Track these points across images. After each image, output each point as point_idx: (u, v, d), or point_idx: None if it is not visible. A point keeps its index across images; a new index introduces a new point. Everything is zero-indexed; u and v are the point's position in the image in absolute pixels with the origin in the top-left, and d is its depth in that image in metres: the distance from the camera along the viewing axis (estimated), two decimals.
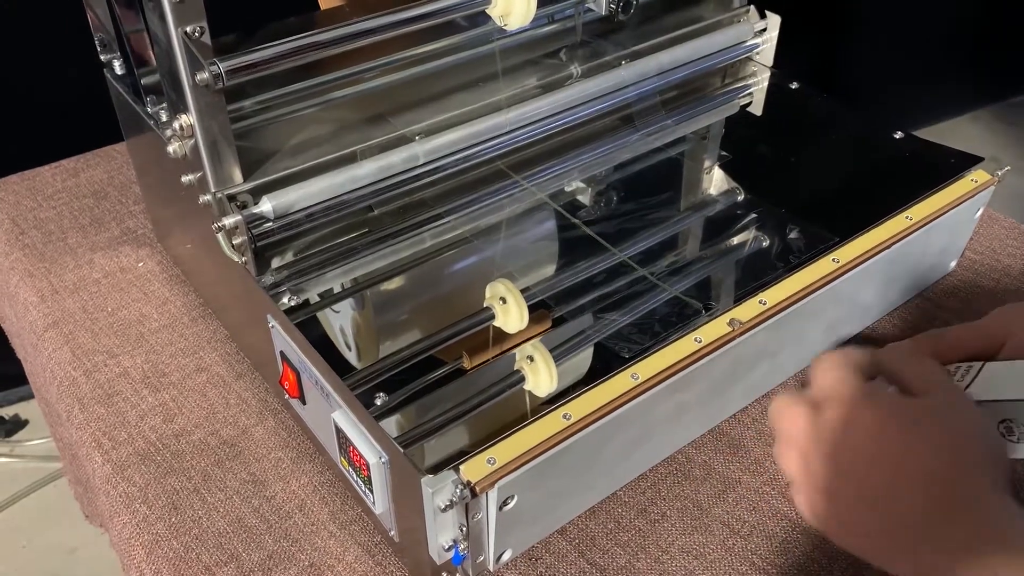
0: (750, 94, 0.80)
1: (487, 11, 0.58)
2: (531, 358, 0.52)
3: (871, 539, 0.40)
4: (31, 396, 1.50)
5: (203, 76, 0.50)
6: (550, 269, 0.61)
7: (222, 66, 0.50)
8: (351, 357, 0.54)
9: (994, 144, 2.08)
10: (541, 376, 0.52)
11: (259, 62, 0.52)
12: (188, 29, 0.49)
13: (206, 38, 0.50)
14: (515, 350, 0.54)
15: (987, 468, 0.39)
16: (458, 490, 0.44)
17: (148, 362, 0.68)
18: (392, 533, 0.53)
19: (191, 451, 0.62)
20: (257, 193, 0.57)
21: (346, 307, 0.58)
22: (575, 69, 0.73)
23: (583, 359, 0.54)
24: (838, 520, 0.41)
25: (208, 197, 0.57)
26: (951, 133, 2.07)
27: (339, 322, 0.57)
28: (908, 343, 0.47)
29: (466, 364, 0.54)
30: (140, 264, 0.77)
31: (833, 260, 0.58)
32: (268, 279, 0.58)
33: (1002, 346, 0.47)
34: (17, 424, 1.51)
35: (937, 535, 0.38)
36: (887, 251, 0.60)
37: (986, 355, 0.47)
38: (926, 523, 0.38)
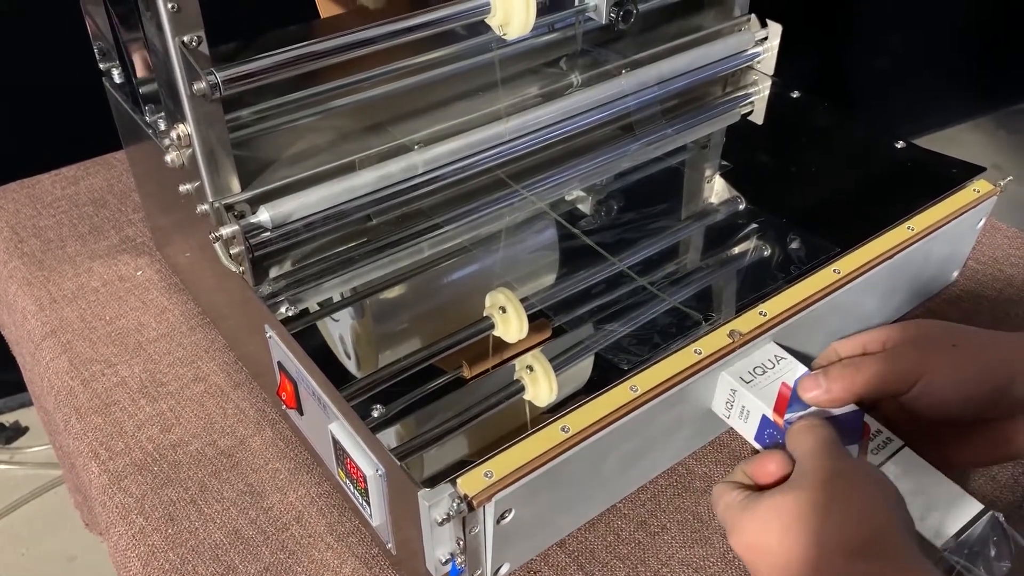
0: (751, 103, 0.80)
1: (486, 20, 0.58)
2: (531, 368, 0.52)
3: None
4: (31, 403, 1.50)
5: (200, 86, 0.50)
6: (550, 278, 0.61)
7: (219, 76, 0.50)
8: (350, 366, 0.54)
9: (996, 152, 2.08)
10: (541, 386, 0.51)
11: (257, 71, 0.52)
12: (185, 38, 0.49)
13: (203, 47, 0.50)
14: (515, 360, 0.54)
15: (867, 549, 0.40)
16: (455, 504, 0.44)
17: (146, 371, 0.68)
18: (389, 546, 0.52)
19: (188, 462, 0.61)
20: (255, 203, 0.57)
21: (345, 316, 0.58)
22: (575, 78, 0.72)
23: (583, 369, 0.54)
24: None
25: (206, 207, 0.56)
26: (952, 141, 2.07)
27: (338, 331, 0.57)
28: (822, 381, 0.50)
29: (465, 374, 0.53)
30: (139, 273, 0.77)
31: (834, 271, 0.58)
32: (266, 289, 0.58)
33: (917, 381, 0.48)
34: (17, 431, 1.51)
35: None
36: (889, 262, 0.60)
37: (901, 391, 0.49)
38: None
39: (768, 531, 0.43)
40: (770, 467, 0.47)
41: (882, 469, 0.49)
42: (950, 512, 0.47)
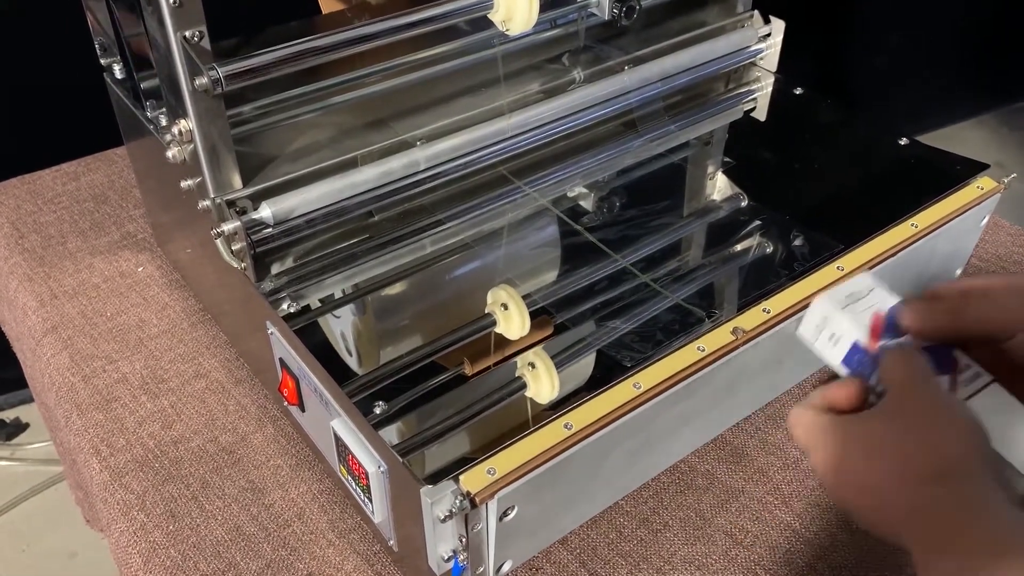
0: (754, 99, 0.79)
1: (489, 16, 0.58)
2: (532, 365, 0.52)
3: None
4: (32, 399, 1.50)
5: (202, 81, 0.50)
6: (552, 275, 0.61)
7: (221, 71, 0.50)
8: (352, 363, 0.54)
9: (998, 149, 2.07)
10: (543, 383, 0.51)
11: (259, 67, 0.52)
12: (187, 34, 0.49)
13: (205, 43, 0.50)
14: (516, 357, 0.53)
15: (946, 474, 0.41)
16: (457, 501, 0.44)
17: (147, 368, 0.68)
18: (391, 543, 0.52)
19: (189, 458, 0.61)
20: (257, 199, 0.57)
21: (347, 313, 0.58)
22: (578, 74, 0.72)
23: (584, 366, 0.54)
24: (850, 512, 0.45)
25: (207, 202, 0.56)
26: (955, 139, 2.06)
27: (340, 328, 0.56)
28: (925, 310, 0.48)
29: (467, 371, 0.53)
30: (140, 269, 0.77)
31: (838, 268, 0.58)
32: (267, 285, 0.58)
33: (1021, 331, 0.47)
34: (18, 427, 1.50)
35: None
36: (892, 259, 0.59)
37: (1004, 335, 0.48)
38: (892, 529, 0.42)
39: (854, 453, 0.44)
40: (852, 393, 0.47)
41: (970, 402, 0.48)
42: None
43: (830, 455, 0.45)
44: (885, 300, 0.53)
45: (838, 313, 0.51)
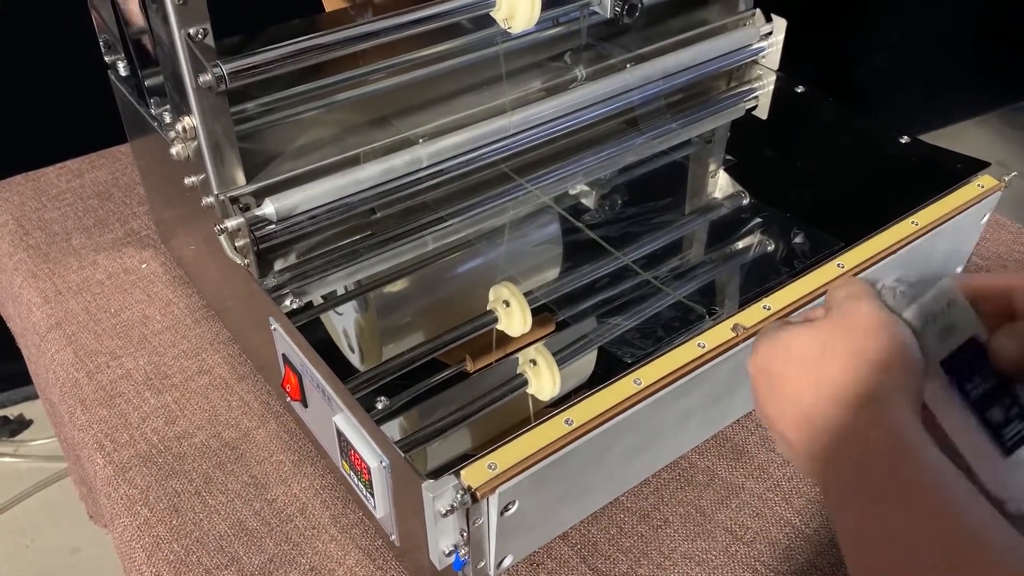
0: (755, 98, 0.80)
1: (492, 14, 0.58)
2: (534, 362, 0.52)
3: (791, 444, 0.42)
4: (35, 396, 1.51)
5: (206, 78, 0.50)
6: (554, 273, 0.61)
7: (225, 68, 0.50)
8: (354, 359, 0.54)
9: (1000, 148, 2.07)
10: (544, 380, 0.52)
11: (262, 64, 0.52)
12: (191, 31, 0.49)
13: (209, 40, 0.50)
14: (518, 354, 0.54)
15: (873, 395, 0.39)
16: (459, 495, 0.44)
17: (151, 364, 0.68)
18: (393, 537, 0.53)
19: (193, 453, 0.61)
20: (260, 195, 0.57)
21: (349, 310, 0.58)
22: (580, 72, 0.72)
23: (586, 363, 0.54)
24: (778, 431, 0.43)
25: (211, 199, 0.57)
26: (957, 137, 2.06)
27: (342, 324, 0.57)
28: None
29: (468, 367, 0.53)
30: (144, 266, 0.77)
31: (838, 265, 0.58)
32: (270, 281, 0.58)
33: None
34: (21, 424, 1.51)
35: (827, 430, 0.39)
36: (893, 256, 0.60)
37: None
38: (807, 448, 0.40)
39: (776, 356, 0.43)
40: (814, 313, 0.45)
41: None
42: None
43: (758, 355, 0.43)
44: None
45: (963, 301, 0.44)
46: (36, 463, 1.45)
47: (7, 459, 1.46)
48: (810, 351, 0.42)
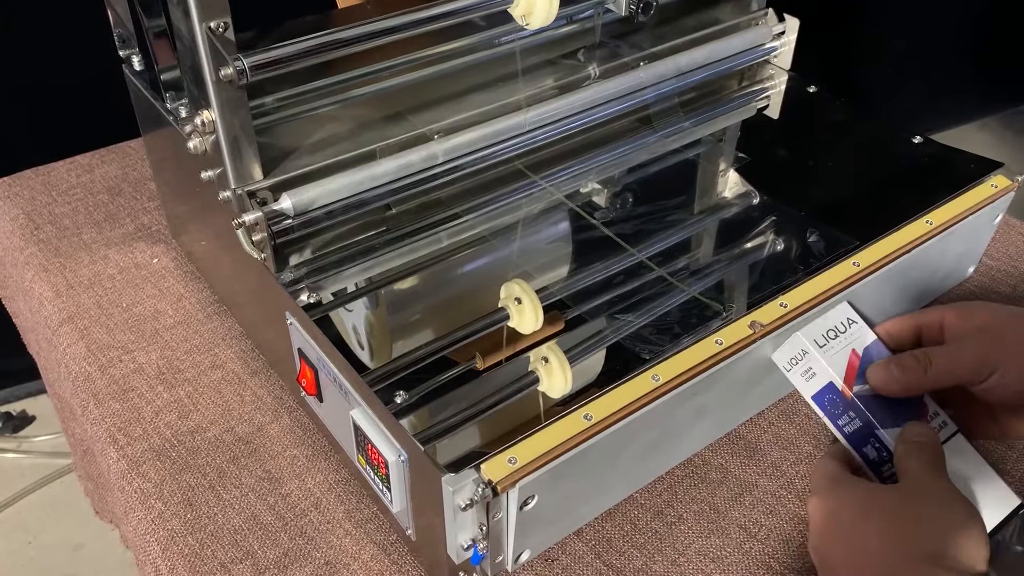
0: (767, 97, 0.80)
1: (509, 11, 0.58)
2: (546, 359, 0.52)
3: None
4: (39, 392, 1.51)
5: (227, 71, 0.50)
6: (565, 270, 0.61)
7: (246, 62, 0.50)
8: (364, 356, 0.54)
9: (1003, 152, 2.08)
10: (555, 378, 0.52)
11: (283, 58, 0.52)
12: (212, 24, 0.49)
13: (230, 33, 0.50)
14: (530, 351, 0.54)
15: (939, 560, 0.43)
16: (479, 489, 0.44)
17: (163, 358, 0.68)
18: (409, 532, 0.53)
19: (206, 448, 0.61)
20: (277, 190, 0.57)
21: (360, 306, 0.58)
22: (593, 70, 0.72)
23: (595, 361, 0.54)
24: (829, 567, 0.48)
25: (228, 193, 0.57)
26: (959, 140, 2.06)
27: (352, 321, 0.57)
28: (895, 372, 0.52)
29: (479, 365, 0.53)
30: (155, 260, 0.77)
31: (854, 263, 0.58)
32: (287, 276, 0.58)
33: (991, 375, 0.49)
34: (24, 420, 1.51)
35: None
36: (907, 255, 0.60)
37: (974, 382, 0.50)
38: None
39: (856, 511, 0.46)
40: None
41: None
42: (992, 502, 0.50)
43: (834, 507, 0.47)
44: (863, 336, 0.54)
45: (817, 352, 0.54)
46: (39, 459, 1.45)
47: (10, 455, 1.46)
48: (887, 510, 0.45)
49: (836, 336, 0.55)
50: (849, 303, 0.56)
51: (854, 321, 0.55)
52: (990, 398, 0.51)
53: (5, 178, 0.87)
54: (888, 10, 1.80)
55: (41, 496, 1.40)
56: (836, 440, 0.54)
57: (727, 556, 0.55)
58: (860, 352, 0.54)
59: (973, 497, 0.49)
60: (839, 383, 0.53)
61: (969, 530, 0.44)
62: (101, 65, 0.83)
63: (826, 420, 0.54)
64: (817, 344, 0.54)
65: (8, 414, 1.50)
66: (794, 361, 0.55)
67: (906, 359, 0.52)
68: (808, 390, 0.55)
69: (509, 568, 0.51)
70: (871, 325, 0.55)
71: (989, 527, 0.48)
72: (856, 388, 0.53)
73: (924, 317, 0.55)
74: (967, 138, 2.10)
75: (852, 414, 0.52)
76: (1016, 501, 0.50)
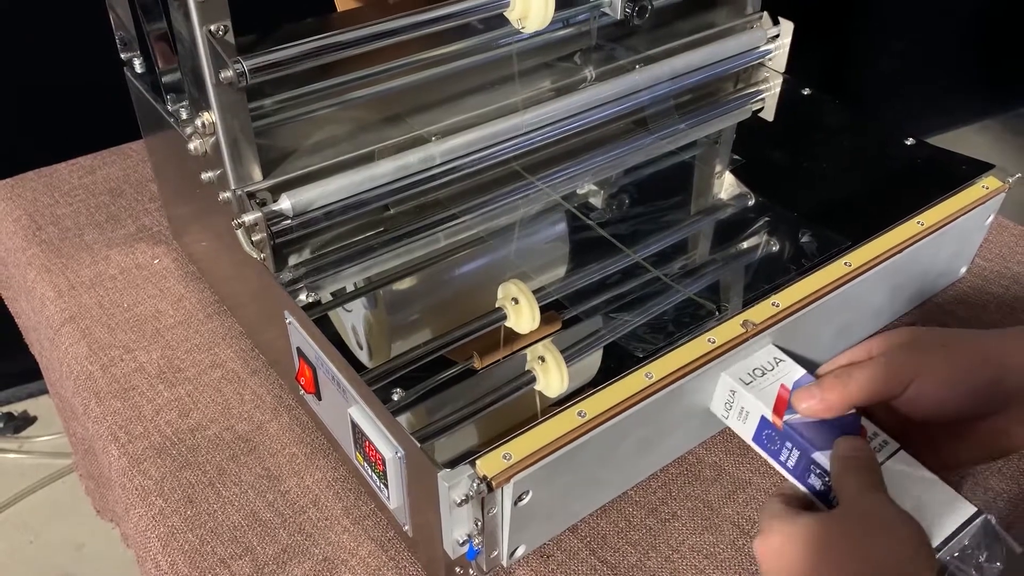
0: (762, 99, 0.80)
1: (505, 14, 0.59)
2: (542, 359, 0.53)
3: None
4: (40, 393, 1.51)
5: (227, 74, 0.51)
6: (562, 270, 0.62)
7: (246, 64, 0.51)
8: (362, 356, 0.55)
9: (1001, 154, 2.08)
10: (552, 377, 0.52)
11: (283, 61, 0.53)
12: (212, 27, 0.50)
13: (230, 37, 0.51)
14: (526, 351, 0.54)
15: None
16: (474, 484, 0.45)
17: (164, 357, 0.69)
18: (406, 528, 0.53)
19: (206, 446, 0.62)
20: (276, 191, 0.58)
21: (358, 306, 0.59)
22: (589, 73, 0.73)
23: (593, 361, 0.55)
24: None
25: (228, 194, 0.57)
26: (958, 143, 2.07)
27: (351, 321, 0.57)
28: (816, 391, 0.51)
29: (477, 364, 0.54)
30: (156, 261, 0.78)
31: (845, 263, 0.59)
32: (286, 275, 0.59)
33: (910, 383, 0.49)
34: (26, 420, 1.52)
35: None
36: (899, 255, 0.61)
37: (894, 394, 0.50)
38: None
39: (794, 547, 0.45)
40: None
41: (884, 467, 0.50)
42: (944, 515, 0.48)
43: (775, 545, 0.46)
44: (791, 372, 0.55)
45: (743, 389, 0.54)
46: (40, 459, 1.46)
47: (11, 455, 1.47)
48: (828, 539, 0.44)
49: (763, 374, 0.54)
50: (775, 344, 0.56)
51: (781, 360, 0.55)
52: (915, 413, 0.51)
53: (7, 179, 0.88)
54: (885, 13, 1.81)
55: (42, 496, 1.40)
56: (784, 480, 0.53)
57: (720, 552, 0.55)
58: (789, 385, 0.53)
59: (925, 510, 0.48)
60: (769, 415, 0.52)
61: (911, 547, 0.43)
62: (103, 68, 0.84)
63: (768, 459, 0.53)
64: (743, 382, 0.54)
65: (10, 415, 1.51)
66: (728, 406, 0.55)
67: (827, 378, 0.52)
68: (747, 432, 0.54)
69: (504, 563, 0.52)
70: (804, 364, 0.55)
71: (944, 536, 0.47)
72: (786, 417, 0.52)
73: (855, 351, 0.54)
74: (965, 141, 2.10)
75: (789, 445, 0.52)
76: (971, 509, 0.49)
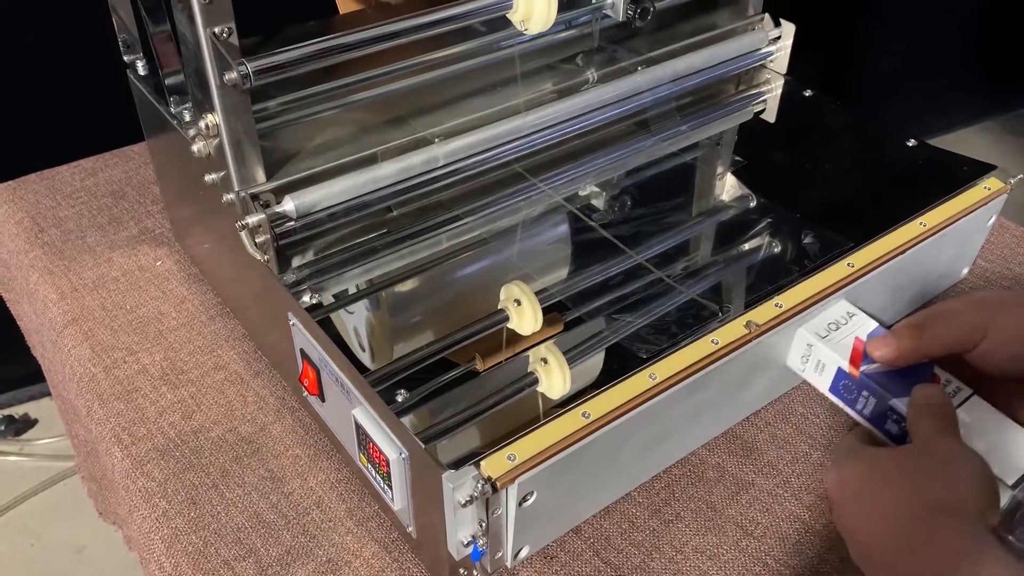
0: (764, 101, 0.81)
1: (508, 15, 0.59)
2: (545, 360, 0.53)
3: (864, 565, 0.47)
4: (41, 395, 1.51)
5: (231, 76, 0.51)
6: (565, 271, 0.62)
7: (250, 66, 0.51)
8: (365, 358, 0.55)
9: (1001, 156, 2.08)
10: (555, 379, 0.52)
11: (286, 63, 0.53)
12: (216, 30, 0.50)
13: (234, 39, 0.51)
14: (529, 352, 0.54)
15: (951, 510, 0.44)
16: (479, 485, 0.45)
17: (167, 359, 0.69)
18: (410, 529, 0.53)
19: (210, 447, 0.62)
20: (280, 192, 0.58)
21: (361, 308, 0.59)
22: (591, 74, 0.73)
23: (595, 363, 0.55)
24: (859, 540, 0.48)
25: (232, 196, 0.57)
26: (958, 144, 2.07)
27: (353, 323, 0.57)
28: (892, 340, 0.54)
29: (479, 366, 0.54)
30: (158, 263, 0.78)
31: (848, 264, 0.59)
32: (290, 277, 0.59)
33: (983, 338, 0.51)
34: (27, 423, 1.52)
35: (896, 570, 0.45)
36: (901, 256, 0.61)
37: (967, 347, 0.52)
38: (887, 558, 0.45)
39: (872, 479, 0.47)
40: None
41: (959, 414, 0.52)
42: (1016, 454, 0.50)
43: (847, 475, 0.48)
44: (865, 325, 0.57)
45: (820, 343, 0.56)
46: (41, 462, 1.46)
47: (13, 458, 1.47)
48: (895, 469, 0.47)
49: (838, 328, 0.57)
50: (847, 300, 0.58)
51: (853, 314, 0.57)
52: (988, 367, 0.53)
53: (10, 182, 0.88)
54: (886, 14, 1.81)
55: (44, 499, 1.40)
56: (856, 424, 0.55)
57: (724, 554, 0.55)
58: (864, 337, 0.55)
59: (998, 451, 0.50)
60: (846, 366, 0.54)
61: (977, 482, 0.45)
62: (105, 70, 0.84)
63: (847, 408, 0.55)
64: (820, 336, 0.56)
65: (11, 417, 1.51)
66: (804, 359, 0.57)
67: (901, 328, 0.54)
68: (823, 384, 0.56)
69: (508, 564, 0.52)
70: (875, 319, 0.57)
71: (1019, 474, 0.49)
72: (863, 367, 0.54)
73: (929, 309, 0.56)
74: (966, 142, 2.10)
75: (866, 394, 0.54)
76: None
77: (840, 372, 0.55)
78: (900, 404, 0.52)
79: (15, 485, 1.41)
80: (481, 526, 0.47)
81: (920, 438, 0.49)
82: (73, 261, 0.78)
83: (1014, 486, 0.49)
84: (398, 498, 0.51)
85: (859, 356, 0.55)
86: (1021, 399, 0.54)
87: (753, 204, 0.68)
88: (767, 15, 0.80)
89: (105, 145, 0.93)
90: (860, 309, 0.57)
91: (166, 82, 0.64)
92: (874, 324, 0.56)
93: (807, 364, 0.57)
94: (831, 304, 0.57)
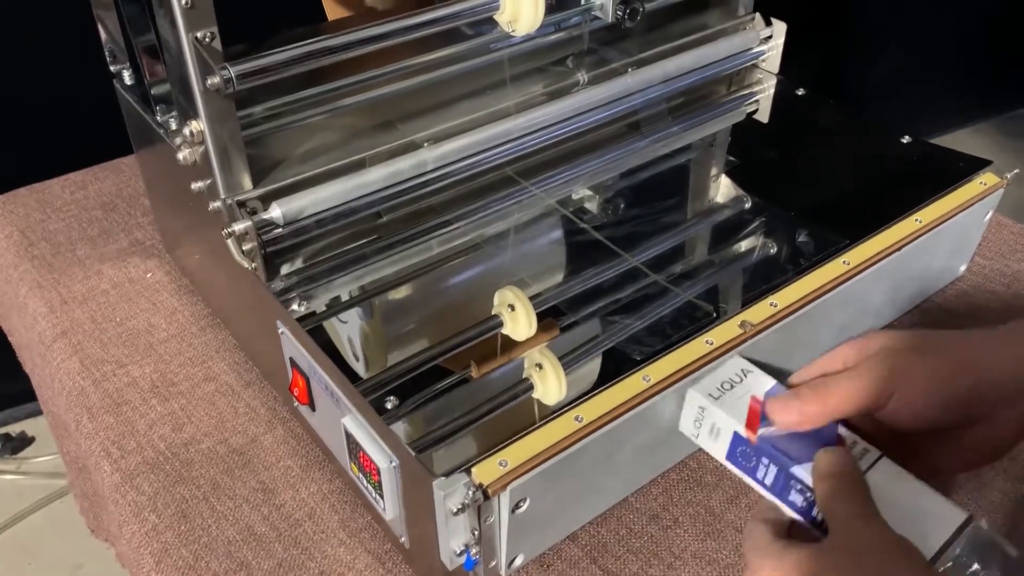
0: (756, 101, 0.80)
1: (495, 17, 0.59)
2: (540, 366, 0.52)
3: None
4: (37, 413, 1.50)
5: (214, 80, 0.50)
6: (559, 276, 0.61)
7: (233, 71, 0.51)
8: (359, 368, 0.54)
9: (997, 157, 2.07)
10: (550, 384, 0.51)
11: (269, 66, 0.52)
12: (199, 34, 0.50)
13: (216, 43, 0.50)
14: (524, 358, 0.54)
15: None
16: (470, 492, 0.44)
17: (157, 371, 0.68)
18: (403, 540, 0.52)
19: (200, 460, 0.61)
20: (267, 199, 0.57)
21: (353, 316, 0.58)
22: (582, 76, 0.73)
23: (592, 367, 0.54)
24: None
25: (218, 203, 0.57)
26: (953, 145, 2.06)
27: (346, 332, 0.57)
28: (794, 402, 0.48)
29: (474, 373, 0.53)
30: (149, 275, 0.77)
31: (844, 262, 0.58)
32: (278, 285, 0.58)
33: (892, 394, 0.46)
34: (23, 441, 1.51)
35: None
36: (898, 253, 0.60)
37: (877, 406, 0.47)
38: None
39: None
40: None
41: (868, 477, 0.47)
42: (933, 524, 0.45)
43: (768, 570, 0.42)
44: (760, 383, 0.51)
45: (712, 405, 0.50)
46: (38, 480, 1.44)
47: (9, 476, 1.46)
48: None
49: (732, 387, 0.51)
50: (742, 356, 0.53)
51: (749, 371, 0.52)
52: (900, 423, 0.48)
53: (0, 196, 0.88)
54: (880, 14, 1.81)
55: (40, 517, 1.39)
56: (761, 498, 0.49)
57: (723, 559, 0.54)
58: (760, 396, 0.50)
59: (914, 520, 0.44)
60: (742, 430, 0.49)
61: (912, 572, 0.41)
62: (94, 83, 0.83)
63: (745, 477, 0.50)
64: (712, 397, 0.51)
65: (7, 435, 1.50)
66: (697, 423, 0.51)
67: (804, 389, 0.48)
68: (720, 451, 0.51)
69: (503, 573, 0.51)
70: (773, 374, 0.52)
71: (937, 547, 0.44)
72: (761, 431, 0.48)
73: (826, 360, 0.51)
74: (960, 142, 2.09)
75: (765, 460, 0.48)
76: (963, 515, 0.46)
77: (737, 437, 0.49)
78: (803, 471, 0.46)
79: (11, 503, 1.40)
80: (474, 534, 0.46)
81: (837, 526, 0.44)
82: (63, 274, 0.78)
83: (931, 561, 0.44)
84: (390, 508, 0.50)
85: (757, 419, 0.48)
86: (933, 451, 0.49)
87: (747, 204, 0.67)
88: (758, 14, 0.80)
89: (95, 158, 0.92)
90: (755, 365, 0.52)
91: (152, 91, 0.63)
92: (771, 381, 0.50)
93: (700, 429, 0.52)
94: (725, 361, 0.53)
